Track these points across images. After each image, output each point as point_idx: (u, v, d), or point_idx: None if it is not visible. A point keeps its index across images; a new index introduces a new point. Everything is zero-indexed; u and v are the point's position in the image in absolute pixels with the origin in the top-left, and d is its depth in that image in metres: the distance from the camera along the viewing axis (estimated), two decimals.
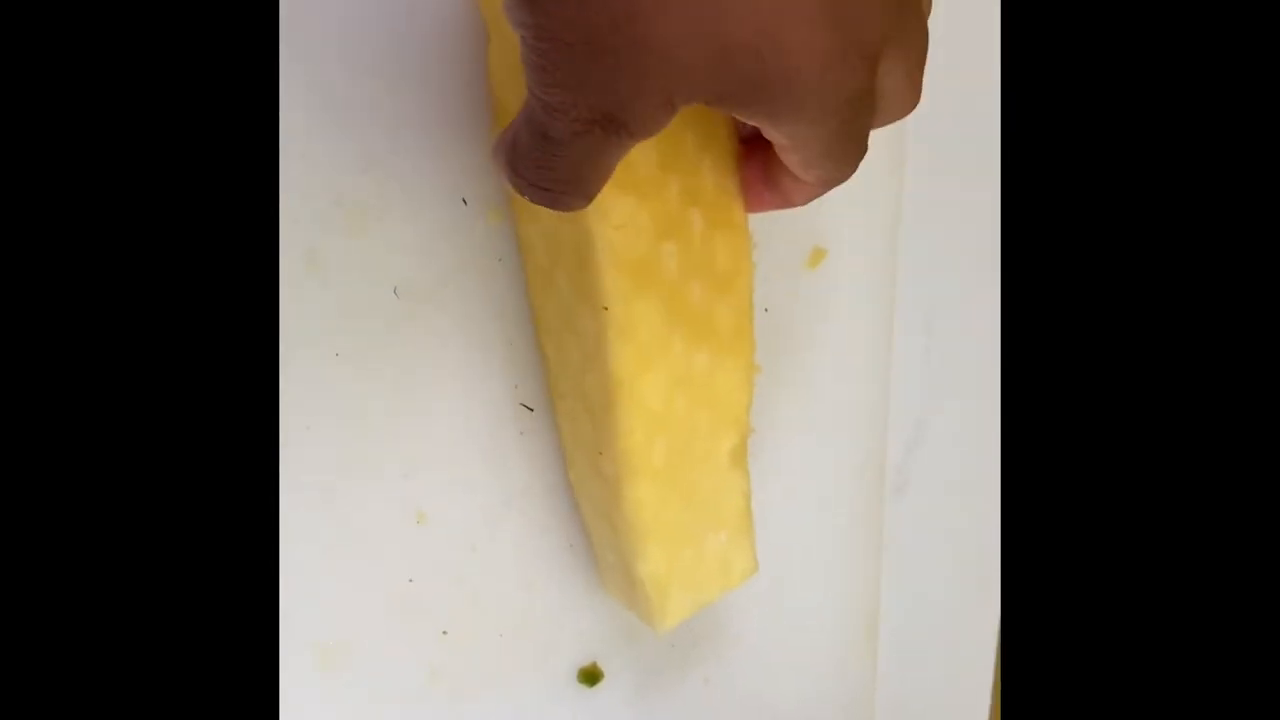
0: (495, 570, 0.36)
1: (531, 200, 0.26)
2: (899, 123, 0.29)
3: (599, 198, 0.29)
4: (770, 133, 0.26)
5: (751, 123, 0.25)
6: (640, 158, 0.29)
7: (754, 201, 0.32)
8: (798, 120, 0.24)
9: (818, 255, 0.42)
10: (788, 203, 0.31)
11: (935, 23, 0.43)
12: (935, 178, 0.45)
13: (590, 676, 0.39)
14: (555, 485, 0.36)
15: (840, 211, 0.42)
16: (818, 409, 0.44)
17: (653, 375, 0.31)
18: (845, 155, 0.27)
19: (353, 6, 0.30)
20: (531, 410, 0.35)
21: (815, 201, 0.41)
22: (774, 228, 0.39)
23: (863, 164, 0.43)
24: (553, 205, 0.25)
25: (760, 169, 0.31)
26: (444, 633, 0.35)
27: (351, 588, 0.33)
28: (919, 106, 0.44)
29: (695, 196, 0.31)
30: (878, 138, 0.44)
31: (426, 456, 0.33)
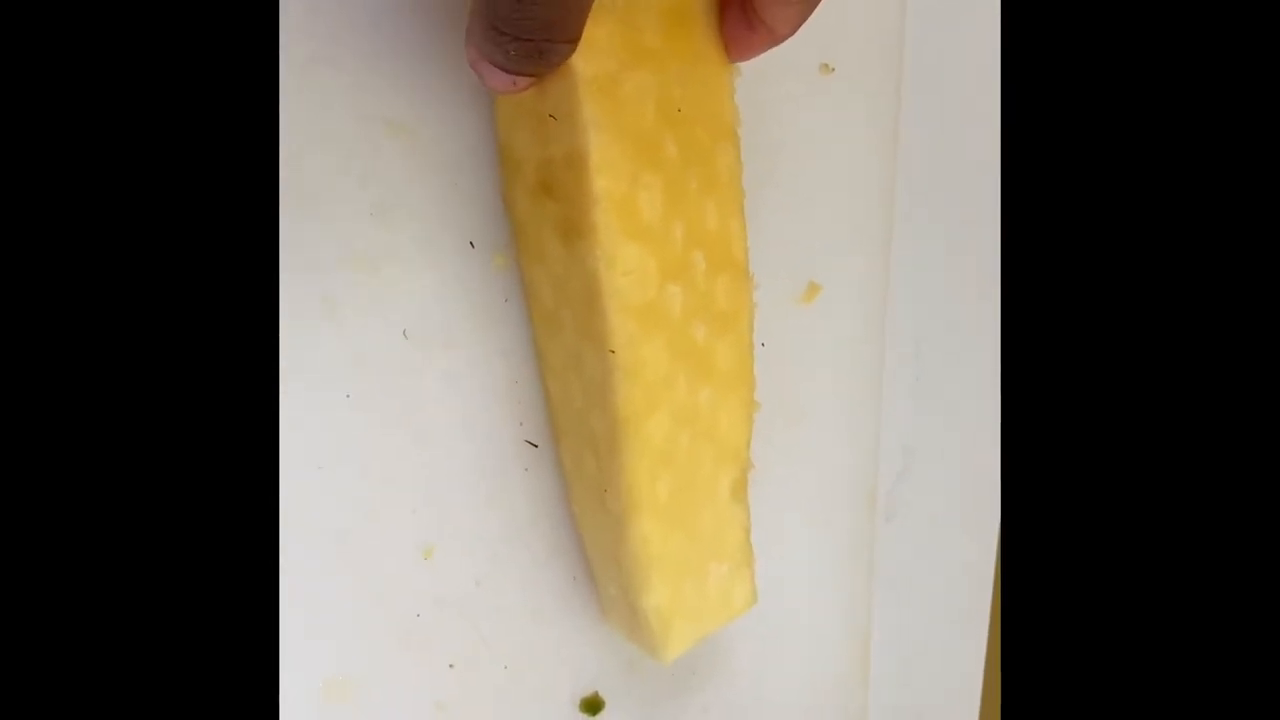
0: (500, 603, 0.36)
1: (519, 69, 0.27)
2: (891, 155, 0.30)
3: (606, 245, 0.30)
4: None
5: None
6: (645, 203, 0.30)
7: (743, 47, 0.31)
8: None
9: (813, 290, 0.43)
10: (774, 37, 0.31)
11: (930, 61, 0.44)
12: (926, 210, 0.46)
13: (592, 706, 0.39)
14: (559, 520, 0.37)
15: (833, 246, 0.43)
16: (812, 439, 0.45)
17: (658, 415, 0.32)
18: None
19: (363, 55, 0.30)
20: (536, 446, 0.36)
21: (810, 237, 0.42)
22: (770, 264, 0.40)
23: (855, 198, 0.44)
24: (541, 61, 0.26)
25: (740, 13, 0.31)
26: (450, 666, 0.36)
27: (360, 622, 0.34)
28: (910, 141, 0.45)
29: (699, 239, 0.32)
30: (871, 171, 0.45)
31: (434, 493, 0.34)
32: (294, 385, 0.31)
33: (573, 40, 0.26)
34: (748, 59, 0.32)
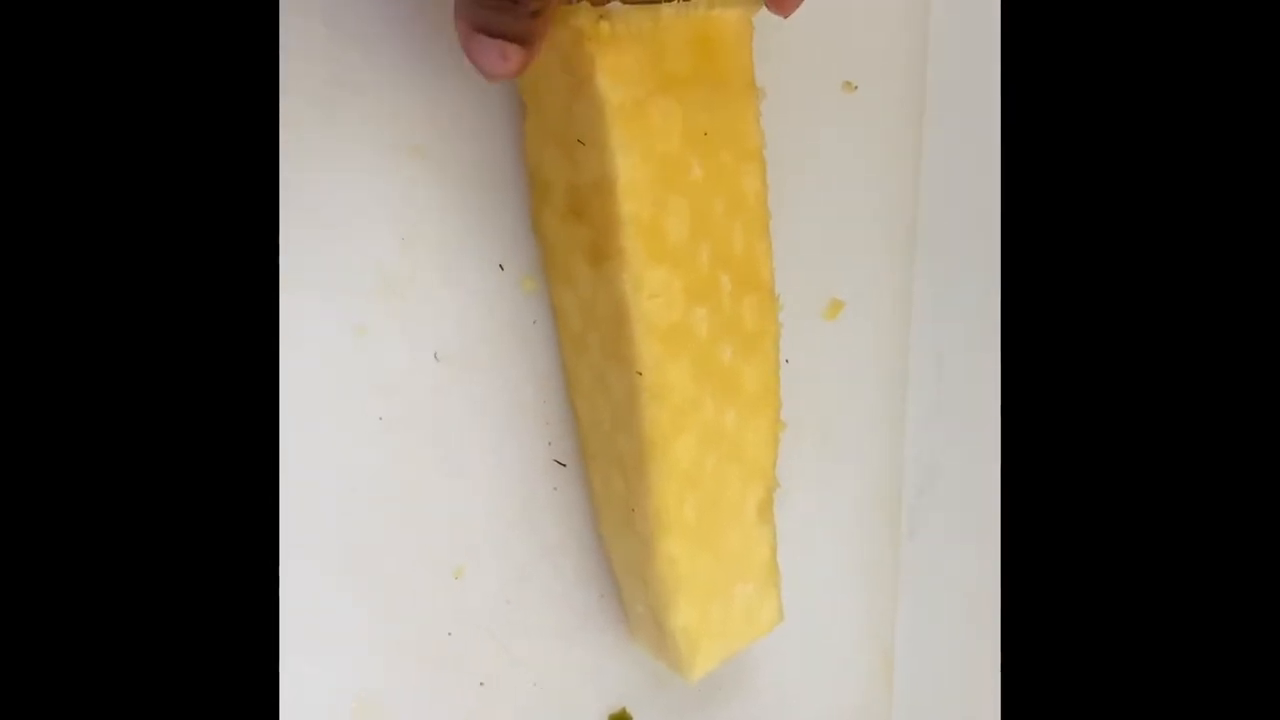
0: (530, 622, 0.37)
1: (500, 24, 0.26)
2: (913, 171, 0.30)
3: (633, 268, 0.30)
4: None
5: None
6: (672, 227, 0.31)
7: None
8: None
9: (835, 307, 0.43)
10: None
11: (953, 78, 0.44)
12: (949, 226, 0.46)
13: None
14: (587, 540, 0.37)
15: (857, 264, 0.44)
16: (836, 458, 0.45)
17: (685, 437, 0.32)
18: None
19: (394, 85, 0.31)
20: (564, 466, 0.36)
21: (833, 254, 0.43)
22: (794, 281, 0.40)
23: (878, 214, 0.44)
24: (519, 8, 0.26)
25: None
26: (480, 684, 0.36)
27: (391, 641, 0.34)
28: (932, 157, 0.45)
29: (725, 261, 0.32)
30: (894, 188, 0.45)
31: (465, 513, 0.34)
32: (326, 409, 0.31)
33: None
34: (792, 11, 0.31)
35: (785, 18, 0.31)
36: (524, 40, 0.27)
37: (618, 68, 0.28)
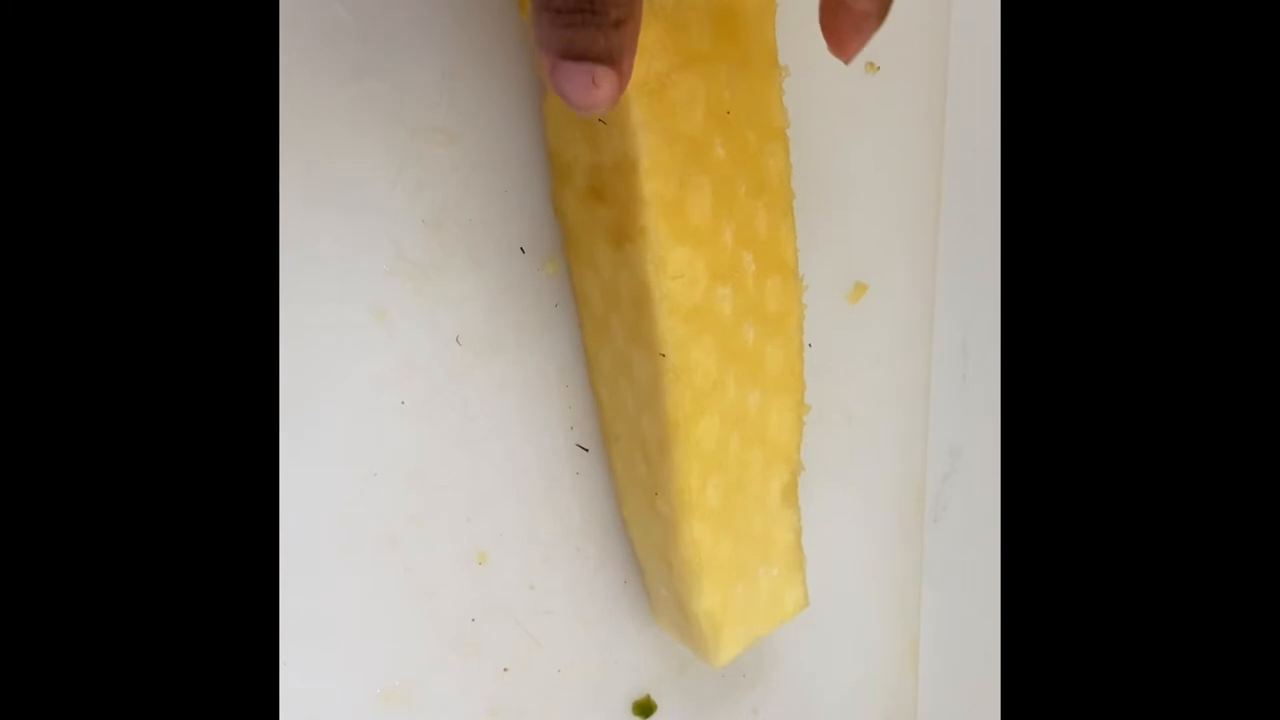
0: (553, 608, 0.36)
1: (581, 44, 0.24)
2: (937, 153, 0.30)
3: (655, 248, 0.30)
4: None
5: None
6: (695, 206, 0.30)
7: (850, 41, 0.29)
8: None
9: (859, 290, 0.42)
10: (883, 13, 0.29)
11: (976, 59, 0.44)
12: (973, 209, 0.45)
13: (644, 709, 0.39)
14: (610, 524, 0.37)
15: (880, 246, 0.43)
16: (860, 441, 0.44)
17: (708, 419, 0.32)
18: None
19: (409, 67, 0.31)
20: (587, 450, 0.36)
21: (856, 237, 0.42)
22: (817, 264, 0.39)
23: (901, 196, 0.44)
24: (598, 23, 0.24)
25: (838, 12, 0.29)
26: (504, 670, 0.36)
27: (415, 628, 0.34)
28: (956, 139, 0.44)
29: (748, 240, 0.32)
30: (917, 170, 0.44)
31: (487, 498, 0.34)
32: (347, 393, 0.31)
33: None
34: (857, 50, 0.29)
35: (846, 63, 0.30)
36: (611, 59, 0.25)
37: (638, 44, 0.28)
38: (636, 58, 0.28)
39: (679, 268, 0.30)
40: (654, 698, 0.40)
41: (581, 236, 0.33)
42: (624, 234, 0.30)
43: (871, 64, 0.41)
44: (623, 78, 0.25)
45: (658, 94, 0.29)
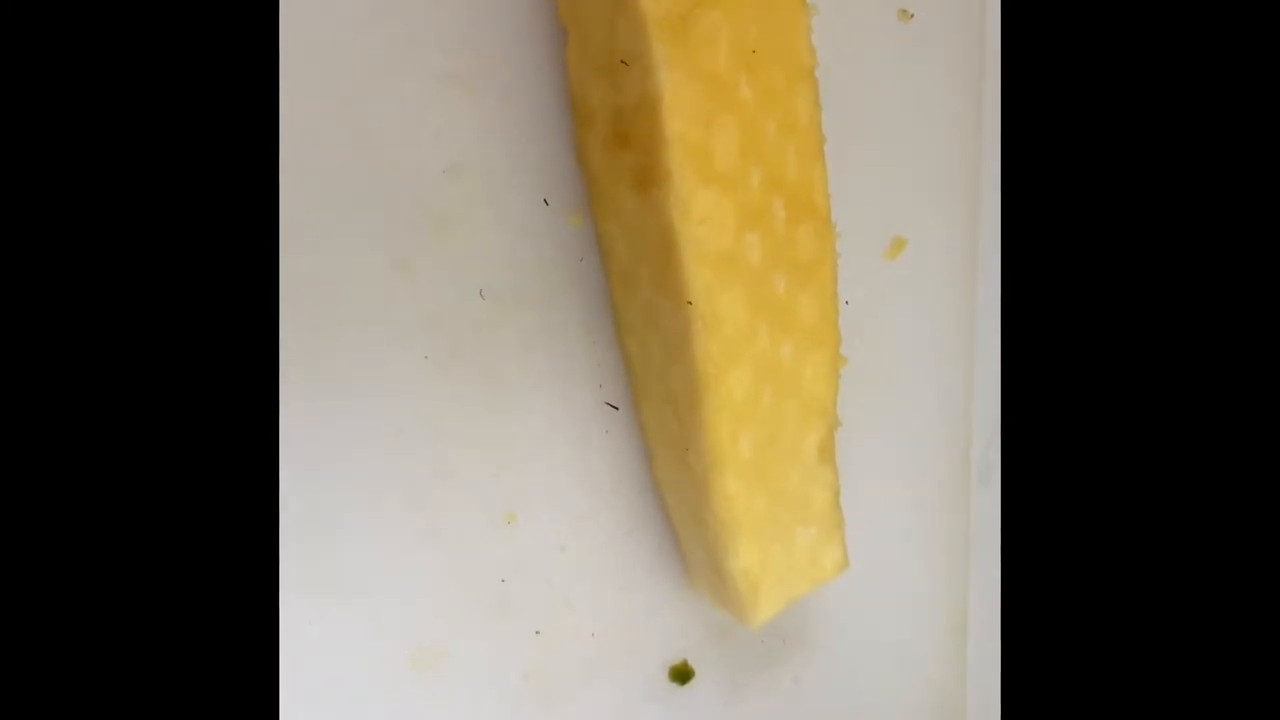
0: (585, 569, 0.36)
1: None
2: (975, 106, 0.29)
3: (680, 192, 0.29)
4: None
5: None
6: (721, 148, 0.29)
7: None
8: None
9: (898, 245, 0.41)
10: None
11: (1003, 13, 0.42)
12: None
13: (681, 675, 0.39)
14: (642, 483, 0.36)
15: (919, 199, 0.42)
16: (901, 401, 0.43)
17: (739, 369, 0.31)
18: None
19: (428, 13, 0.30)
20: (616, 409, 0.35)
21: (892, 190, 0.41)
22: (853, 218, 0.38)
23: (939, 149, 0.42)
24: None
25: None
26: (536, 633, 0.35)
27: (444, 589, 0.33)
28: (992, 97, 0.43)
29: (778, 185, 0.31)
30: (954, 122, 0.43)
31: (514, 457, 0.34)
32: (369, 348, 0.31)
33: None
34: None
35: None
36: None
37: None
38: None
39: (705, 211, 0.29)
40: (691, 663, 0.39)
41: (606, 186, 0.32)
42: (648, 179, 0.30)
43: (904, 11, 0.40)
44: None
45: (680, 31, 0.28)
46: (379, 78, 0.30)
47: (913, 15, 0.40)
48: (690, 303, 0.30)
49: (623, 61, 0.29)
